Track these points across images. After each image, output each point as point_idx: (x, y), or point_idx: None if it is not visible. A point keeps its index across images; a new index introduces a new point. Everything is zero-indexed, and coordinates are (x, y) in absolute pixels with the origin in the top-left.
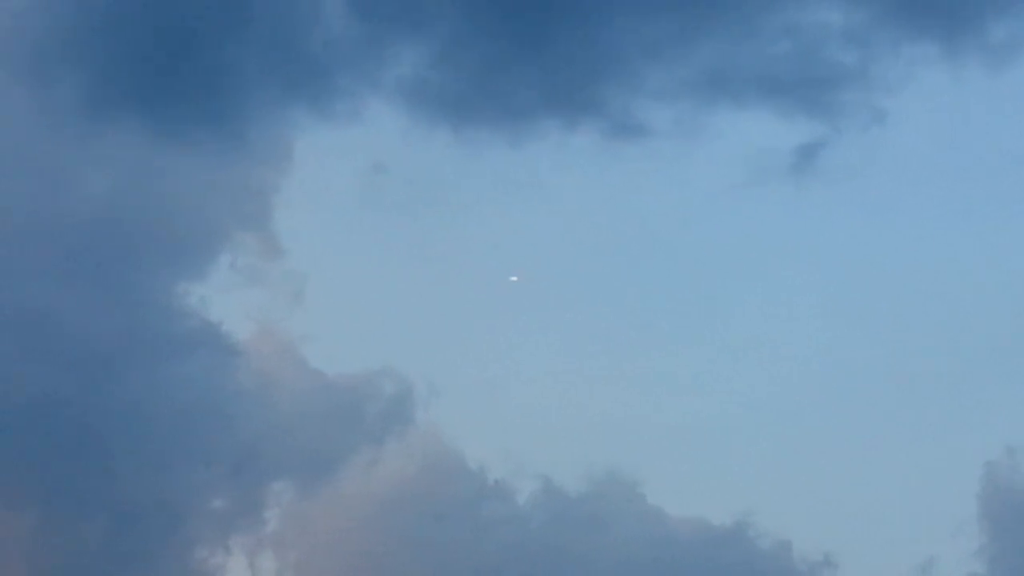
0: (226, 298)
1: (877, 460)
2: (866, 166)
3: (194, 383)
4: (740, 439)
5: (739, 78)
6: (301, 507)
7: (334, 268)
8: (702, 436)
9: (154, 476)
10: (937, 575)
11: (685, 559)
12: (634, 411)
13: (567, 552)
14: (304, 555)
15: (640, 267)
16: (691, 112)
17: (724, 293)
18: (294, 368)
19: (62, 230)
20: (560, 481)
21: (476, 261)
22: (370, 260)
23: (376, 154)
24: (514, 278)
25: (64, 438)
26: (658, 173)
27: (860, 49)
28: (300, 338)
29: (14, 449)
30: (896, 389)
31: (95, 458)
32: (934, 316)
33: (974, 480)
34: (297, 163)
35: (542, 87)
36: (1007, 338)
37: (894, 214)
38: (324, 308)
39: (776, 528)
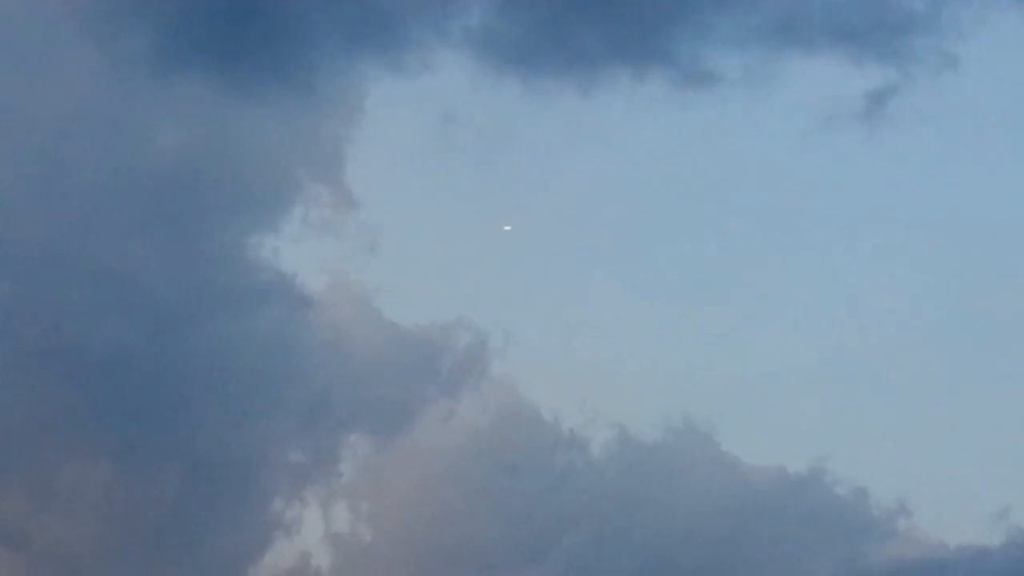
0: (299, 250)
1: (953, 406)
2: (938, 112)
3: (268, 335)
4: (815, 386)
5: (809, 24)
6: (376, 459)
7: (406, 219)
8: (776, 383)
9: (229, 428)
10: (1014, 522)
11: (760, 507)
12: (708, 359)
13: (642, 502)
14: (379, 507)
15: (712, 215)
16: (761, 60)
17: (796, 241)
18: (368, 320)
19: (133, 184)
20: (634, 430)
21: (547, 210)
22: (442, 211)
23: (446, 105)
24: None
25: (138, 391)
26: (728, 121)
27: None
28: (374, 289)
29: (89, 403)
30: (973, 336)
31: (169, 411)
32: (1010, 264)
33: None
34: (368, 114)
35: (611, 36)
36: None
37: (967, 161)
38: (397, 259)
39: (852, 475)
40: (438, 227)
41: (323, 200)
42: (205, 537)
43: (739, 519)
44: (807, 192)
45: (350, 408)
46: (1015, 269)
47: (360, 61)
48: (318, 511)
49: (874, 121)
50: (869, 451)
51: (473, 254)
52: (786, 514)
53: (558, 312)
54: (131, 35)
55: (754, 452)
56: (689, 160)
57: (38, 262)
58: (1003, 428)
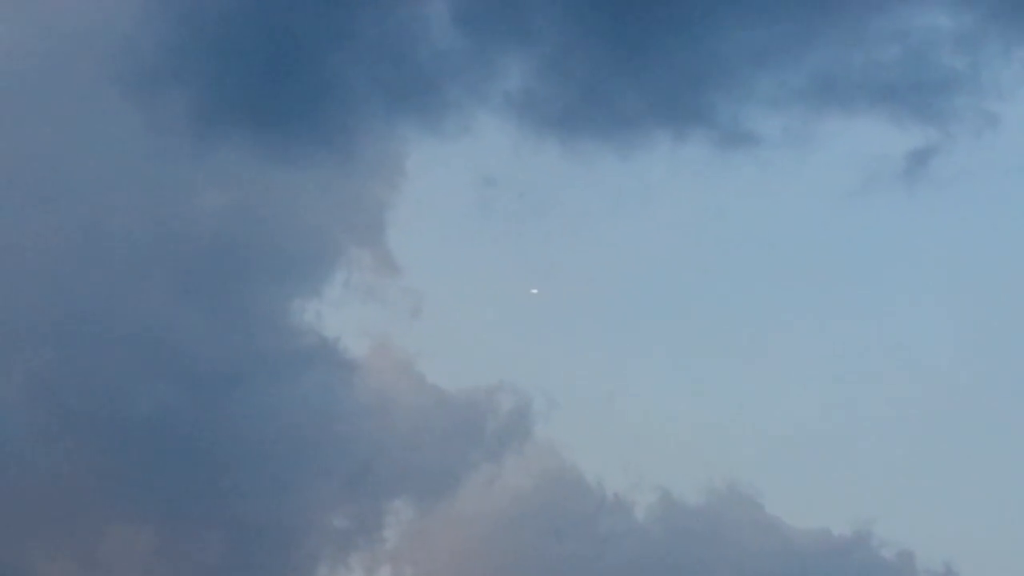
0: (341, 314)
1: (1001, 467)
2: (979, 171)
3: (311, 400)
4: (860, 448)
5: (849, 84)
6: (419, 524)
7: (448, 282)
8: (821, 445)
9: (272, 494)
10: None
11: (805, 570)
12: (751, 421)
13: (686, 565)
14: (422, 573)
15: (752, 276)
16: (801, 120)
17: (839, 301)
18: (411, 384)
19: (173, 249)
20: (678, 494)
21: (589, 273)
22: (483, 274)
23: (486, 168)
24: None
25: (181, 456)
26: (768, 182)
27: (970, 53)
28: (416, 354)
29: (132, 468)
30: (1019, 395)
31: (212, 476)
32: None
33: None
34: (408, 178)
35: (650, 97)
36: None
37: (1008, 220)
38: (440, 323)
39: (898, 538)
40: (480, 290)
41: (365, 264)
42: None
43: None
44: (848, 252)
45: (393, 473)
46: None
47: (400, 124)
48: None
49: (915, 181)
50: (915, 513)
51: (515, 317)
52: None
53: (600, 375)
54: (171, 98)
55: (798, 515)
56: (729, 221)
57: (79, 328)
58: None
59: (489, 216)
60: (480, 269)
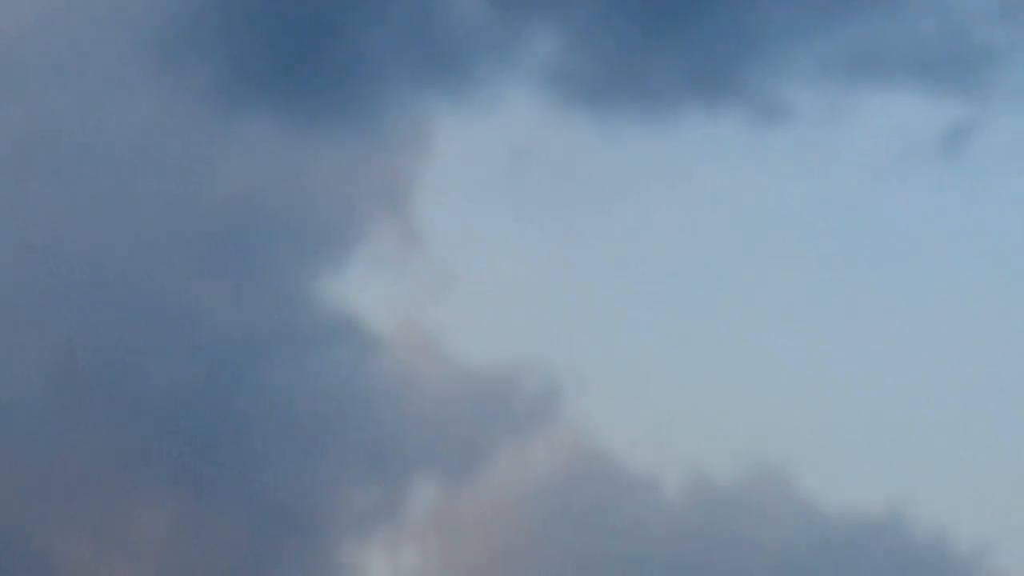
0: (366, 289)
1: None
2: (1019, 146)
3: (335, 376)
4: (893, 426)
5: (886, 58)
6: (444, 502)
7: (476, 257)
8: (853, 423)
9: (295, 470)
10: None
11: (837, 550)
12: (783, 399)
13: (716, 544)
14: (447, 551)
15: (786, 252)
16: (837, 94)
17: (872, 278)
18: (437, 360)
19: (197, 223)
20: (709, 472)
21: (619, 248)
22: (512, 248)
23: (515, 140)
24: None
25: (203, 432)
26: (804, 156)
27: (1011, 26)
28: (443, 329)
29: (153, 444)
30: None
31: (234, 452)
32: None
33: None
34: (435, 150)
35: (684, 71)
36: None
37: None
38: (467, 298)
39: (932, 517)
40: (507, 265)
41: (390, 238)
42: None
43: (815, 561)
44: (883, 228)
45: (418, 450)
46: None
47: (427, 97)
48: (385, 555)
49: (953, 156)
50: (950, 492)
51: (543, 293)
52: (863, 557)
53: (630, 351)
54: (195, 72)
55: (831, 494)
56: (763, 196)
57: (101, 302)
58: None
59: (518, 190)
60: (508, 244)
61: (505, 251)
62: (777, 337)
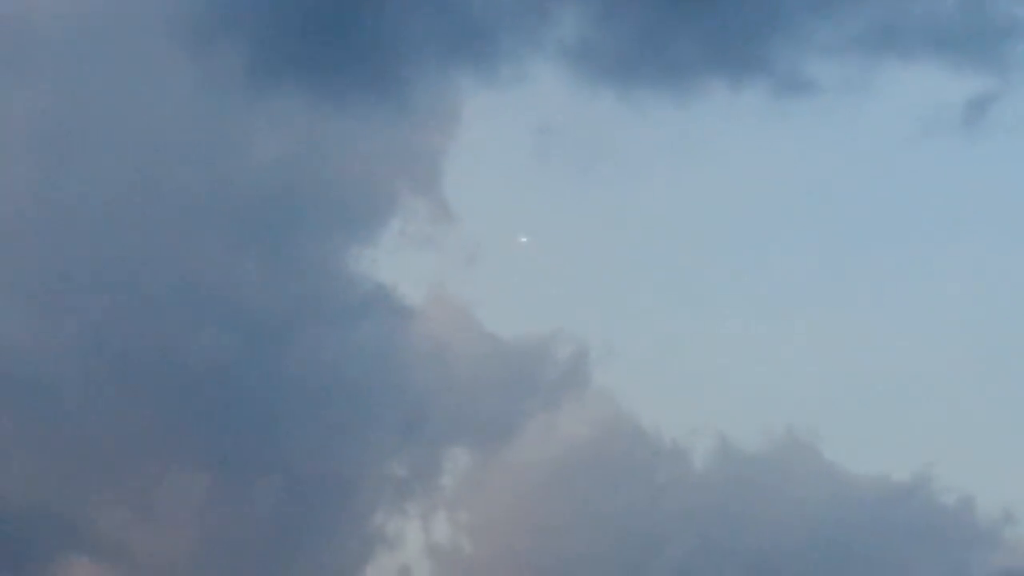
0: (397, 262)
1: None
2: None
3: (367, 348)
4: (919, 393)
5: (907, 31)
6: (476, 472)
7: (504, 230)
8: (880, 391)
9: (328, 441)
10: None
11: (864, 516)
12: (810, 367)
13: (744, 512)
14: (479, 519)
15: (810, 224)
16: (859, 67)
17: (896, 248)
18: (468, 331)
19: (230, 198)
20: (736, 440)
21: (645, 220)
22: (539, 221)
23: (541, 116)
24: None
25: (238, 404)
26: (827, 129)
27: None
28: (473, 301)
29: (188, 417)
30: None
31: (269, 424)
32: None
33: None
34: (463, 126)
35: (708, 45)
36: None
37: None
38: (496, 270)
39: (957, 483)
40: (536, 237)
41: (420, 212)
42: (305, 550)
43: (842, 528)
44: (906, 199)
45: (450, 421)
46: None
47: (455, 73)
48: (419, 524)
49: (973, 128)
50: (975, 459)
51: (572, 264)
52: (890, 523)
53: (657, 322)
54: (227, 49)
55: (857, 461)
56: (787, 168)
57: (136, 277)
58: None
59: (545, 164)
60: (536, 216)
61: (533, 224)
62: (803, 306)
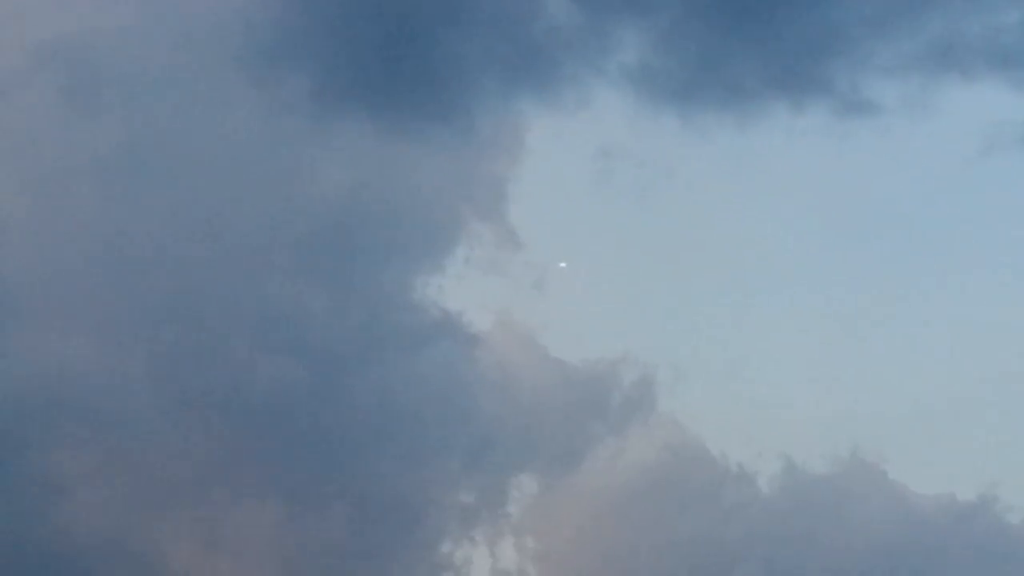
0: (464, 289)
1: None
2: None
3: (434, 375)
4: (983, 413)
5: (967, 50)
6: (543, 498)
7: (570, 255)
8: (944, 411)
9: (396, 469)
10: None
11: (929, 536)
12: (874, 389)
13: (810, 534)
14: (547, 546)
15: (874, 245)
16: (919, 87)
17: (960, 267)
18: (534, 357)
19: (297, 227)
20: (802, 463)
21: (709, 244)
22: (604, 246)
23: (604, 140)
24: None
25: (305, 433)
26: (888, 150)
27: None
28: (539, 327)
29: (256, 447)
30: None
31: (336, 452)
32: None
33: None
34: (528, 151)
35: (768, 68)
36: None
37: None
38: (562, 296)
39: (1023, 502)
40: (600, 262)
41: (486, 238)
42: None
43: (908, 549)
44: (969, 218)
45: (517, 447)
46: None
47: (518, 99)
48: (486, 551)
49: None
50: None
51: (637, 289)
52: (955, 543)
53: (722, 345)
54: (291, 78)
55: (922, 481)
56: (849, 190)
57: (203, 308)
58: None
59: (608, 188)
60: (600, 241)
61: (598, 249)
62: (867, 328)
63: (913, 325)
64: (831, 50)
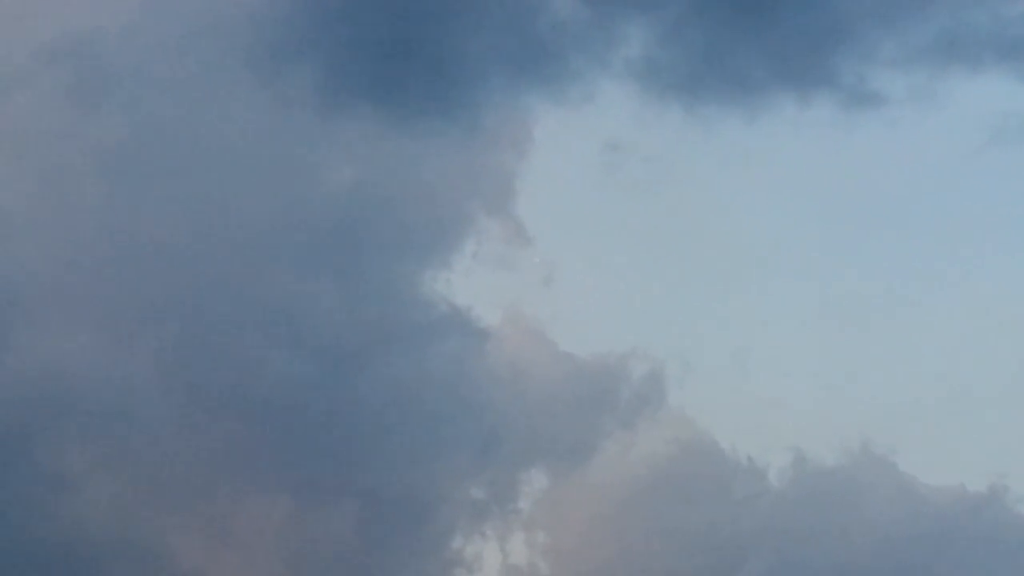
0: (472, 284)
1: None
2: None
3: (443, 370)
4: (993, 404)
5: (973, 41)
6: (553, 493)
7: (578, 249)
8: (954, 402)
9: (405, 464)
10: None
11: (939, 527)
12: (883, 381)
13: (821, 527)
14: (557, 541)
15: (882, 237)
16: (926, 78)
17: (968, 259)
18: (544, 352)
19: (302, 222)
20: (812, 455)
21: (716, 237)
22: (612, 240)
23: (610, 134)
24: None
25: (314, 428)
26: (895, 141)
27: None
28: (548, 321)
29: (265, 441)
30: None
31: (345, 448)
32: None
33: None
34: (534, 146)
35: (774, 61)
36: None
37: None
38: (571, 290)
39: None
40: (608, 256)
41: (494, 233)
42: (384, 574)
43: (919, 540)
44: (977, 210)
45: (527, 442)
46: None
47: (525, 94)
48: (496, 546)
49: None
50: None
51: (646, 283)
52: (966, 534)
53: (731, 338)
54: (297, 74)
55: (933, 472)
56: (857, 182)
57: (209, 304)
58: None
59: (615, 182)
60: (608, 235)
61: (606, 243)
62: (875, 320)
63: (921, 317)
64: (837, 42)
